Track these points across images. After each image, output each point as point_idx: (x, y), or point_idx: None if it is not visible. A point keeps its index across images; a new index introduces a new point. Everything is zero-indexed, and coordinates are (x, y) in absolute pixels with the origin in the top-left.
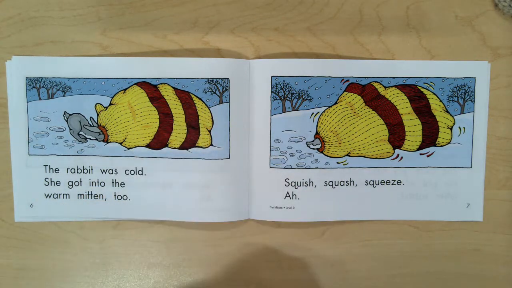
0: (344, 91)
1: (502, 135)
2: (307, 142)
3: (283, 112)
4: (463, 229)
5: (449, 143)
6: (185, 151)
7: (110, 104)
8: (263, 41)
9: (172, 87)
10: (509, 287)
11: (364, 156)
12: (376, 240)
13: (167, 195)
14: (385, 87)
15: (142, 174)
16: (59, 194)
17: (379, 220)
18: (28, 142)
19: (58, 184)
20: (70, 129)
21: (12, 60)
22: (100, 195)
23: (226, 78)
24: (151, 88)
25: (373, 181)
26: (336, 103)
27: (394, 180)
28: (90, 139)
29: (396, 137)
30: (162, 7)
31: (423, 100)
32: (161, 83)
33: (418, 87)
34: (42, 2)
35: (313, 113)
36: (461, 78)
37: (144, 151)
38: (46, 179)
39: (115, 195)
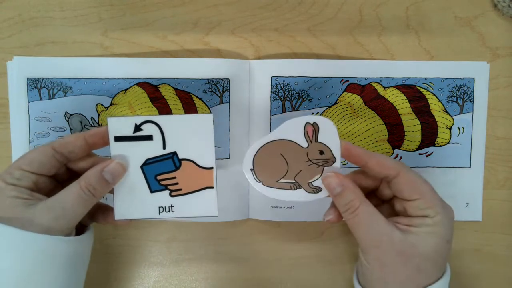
0: (344, 91)
1: (501, 135)
2: None
3: (283, 112)
4: (463, 229)
5: (448, 143)
6: None
7: (111, 104)
8: (263, 41)
9: (173, 88)
10: (509, 287)
11: None
12: None
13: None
14: (385, 87)
15: None
16: None
17: None
18: (29, 142)
19: None
20: (71, 129)
21: (13, 60)
22: None
23: (226, 79)
24: (151, 89)
25: None
26: (335, 103)
27: None
28: None
29: (396, 137)
30: (163, 8)
31: (422, 100)
32: (161, 84)
33: (418, 87)
34: (43, 2)
35: (313, 113)
36: (460, 78)
37: None
38: None
39: None
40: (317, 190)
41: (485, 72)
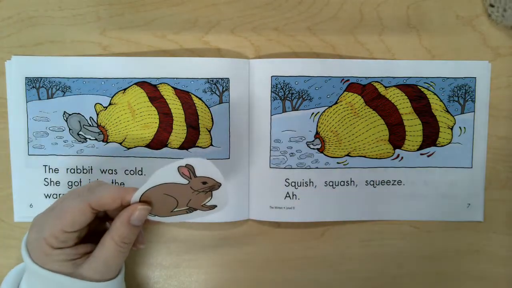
0: (344, 91)
1: (503, 135)
2: (307, 142)
3: (283, 112)
4: (464, 229)
5: (449, 143)
6: (185, 151)
7: (110, 104)
8: (263, 40)
9: (172, 87)
10: (509, 287)
11: (364, 156)
12: (376, 240)
13: None
14: (386, 87)
15: (141, 174)
16: (59, 194)
17: (379, 220)
18: (28, 142)
19: (57, 184)
20: (69, 129)
21: (12, 60)
22: None
23: (226, 78)
24: (150, 88)
25: (373, 181)
26: (336, 103)
27: (395, 180)
28: (89, 139)
29: (397, 137)
30: (162, 7)
31: (423, 100)
32: (161, 83)
33: (419, 87)
34: (41, 2)
35: (313, 113)
36: (462, 78)
37: (143, 151)
38: (46, 179)
39: None
40: (213, 207)
41: (487, 71)
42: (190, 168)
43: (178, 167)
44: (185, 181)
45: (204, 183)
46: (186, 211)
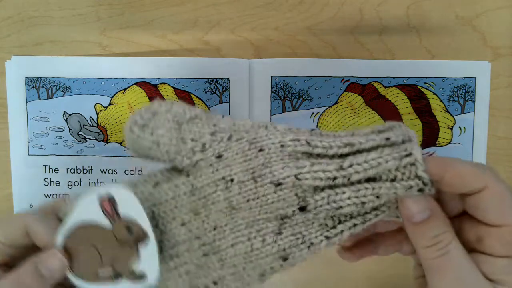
0: (344, 91)
1: (503, 135)
2: None
3: (283, 112)
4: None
5: (449, 143)
6: None
7: (110, 104)
8: (263, 40)
9: (172, 87)
10: None
11: None
12: None
13: None
14: (386, 87)
15: (142, 174)
16: (59, 194)
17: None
18: (28, 142)
19: (57, 184)
20: (69, 129)
21: (12, 60)
22: None
23: (226, 78)
24: (150, 88)
25: None
26: (336, 103)
27: None
28: (89, 139)
29: None
30: (162, 7)
31: (423, 100)
32: (160, 83)
33: (419, 87)
34: (41, 2)
35: (313, 113)
36: (462, 78)
37: None
38: (46, 179)
39: None
40: (142, 277)
41: (487, 71)
42: (112, 203)
43: (99, 199)
44: (107, 224)
45: (129, 229)
46: (111, 277)
